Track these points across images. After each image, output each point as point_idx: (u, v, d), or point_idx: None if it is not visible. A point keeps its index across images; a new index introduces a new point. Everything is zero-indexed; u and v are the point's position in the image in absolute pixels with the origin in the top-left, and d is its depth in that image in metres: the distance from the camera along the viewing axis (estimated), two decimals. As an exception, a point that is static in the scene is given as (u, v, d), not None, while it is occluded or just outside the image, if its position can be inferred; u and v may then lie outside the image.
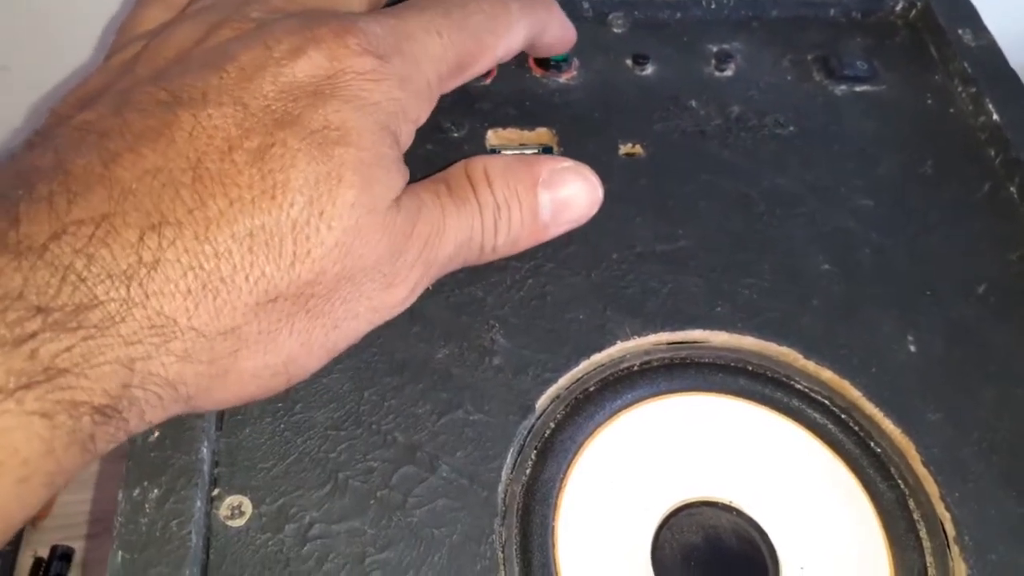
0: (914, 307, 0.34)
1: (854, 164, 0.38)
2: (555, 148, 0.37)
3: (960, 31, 0.42)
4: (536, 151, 0.37)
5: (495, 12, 0.31)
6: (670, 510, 0.31)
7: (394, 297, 0.27)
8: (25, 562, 0.55)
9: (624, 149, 0.37)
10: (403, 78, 0.27)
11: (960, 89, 0.41)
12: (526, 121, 0.38)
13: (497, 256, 0.30)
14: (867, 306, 0.34)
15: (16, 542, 0.55)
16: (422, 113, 0.29)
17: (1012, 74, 0.41)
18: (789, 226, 0.36)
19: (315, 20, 0.26)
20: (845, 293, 0.34)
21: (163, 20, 0.30)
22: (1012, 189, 0.38)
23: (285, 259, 0.23)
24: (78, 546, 0.56)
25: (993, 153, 0.39)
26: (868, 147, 0.39)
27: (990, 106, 0.39)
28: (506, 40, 0.31)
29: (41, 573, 0.54)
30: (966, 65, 0.41)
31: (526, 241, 0.30)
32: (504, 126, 0.37)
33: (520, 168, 0.29)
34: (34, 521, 0.56)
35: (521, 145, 0.38)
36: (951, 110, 0.40)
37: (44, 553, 0.55)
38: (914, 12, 0.44)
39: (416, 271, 0.27)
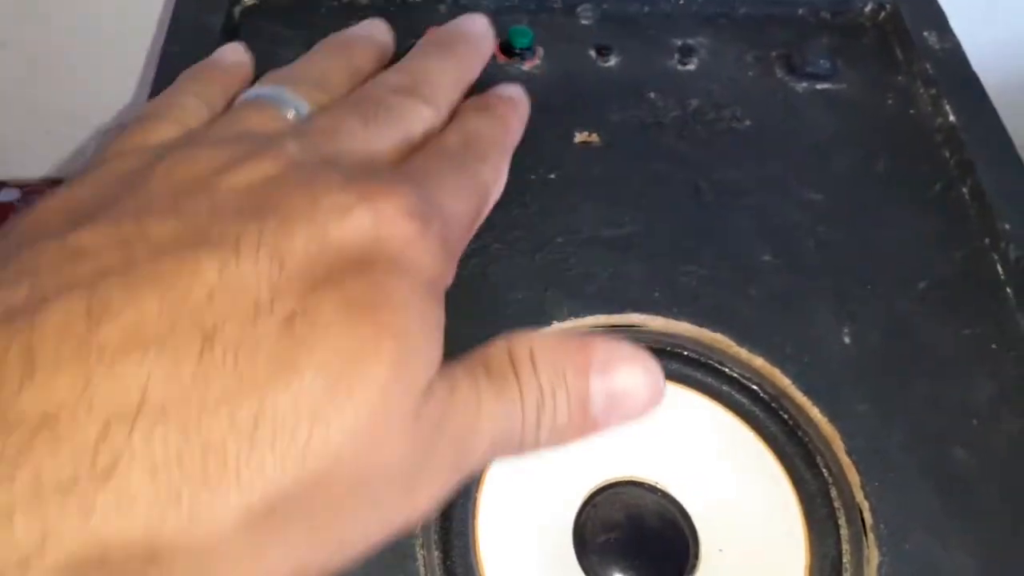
0: (853, 300, 0.34)
1: (807, 159, 0.38)
2: (512, 133, 0.38)
3: (926, 33, 0.42)
4: (494, 135, 0.38)
5: (496, 165, 0.29)
6: (595, 488, 0.31)
7: (412, 508, 0.22)
8: None
9: (580, 137, 0.38)
10: (443, 241, 0.24)
11: (921, 90, 0.41)
12: (485, 106, 0.38)
13: (539, 450, 0.25)
14: (805, 297, 0.34)
15: None
16: (452, 275, 0.26)
17: (973, 77, 0.41)
18: (735, 217, 0.36)
19: (361, 175, 0.23)
20: (785, 284, 0.34)
21: (172, 138, 0.26)
22: (964, 190, 0.38)
23: (296, 447, 0.19)
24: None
25: (948, 154, 0.39)
26: (823, 143, 0.39)
27: (948, 108, 0.40)
28: (496, 190, 0.30)
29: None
30: (928, 67, 0.41)
31: (573, 435, 0.25)
32: (463, 110, 0.38)
33: (571, 348, 0.25)
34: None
35: (479, 129, 0.38)
36: (911, 111, 0.41)
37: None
38: (883, 14, 0.44)
39: (442, 478, 0.23)
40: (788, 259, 0.35)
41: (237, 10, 0.42)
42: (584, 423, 0.25)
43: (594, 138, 0.38)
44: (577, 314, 0.33)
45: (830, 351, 0.33)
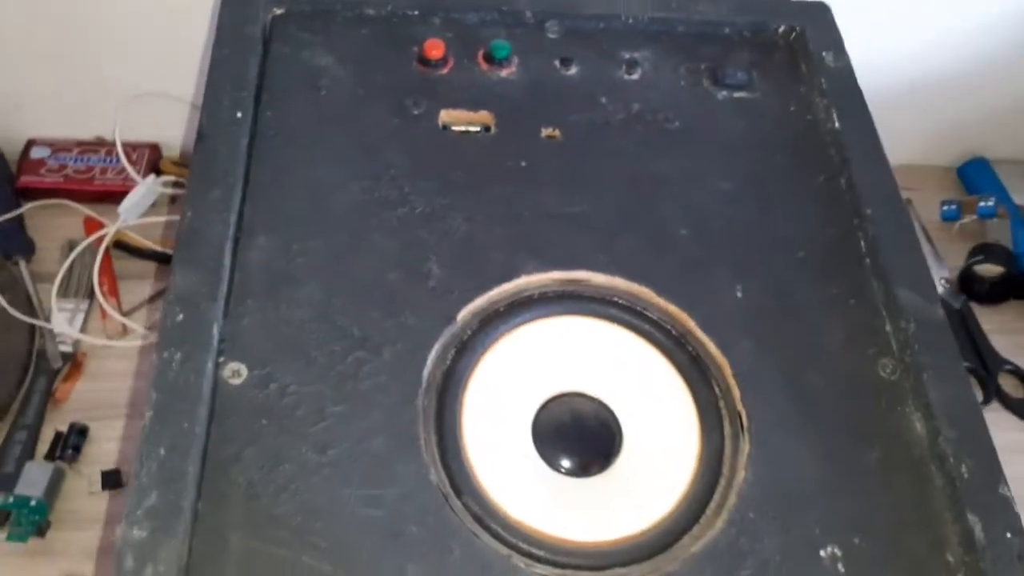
0: (746, 265, 0.45)
1: (721, 155, 0.49)
2: (492, 127, 0.48)
3: (824, 53, 0.53)
4: (478, 128, 0.48)
5: None
6: (549, 397, 0.42)
7: None
8: (47, 436, 0.66)
9: (546, 132, 0.49)
10: None
11: (817, 100, 0.52)
12: (472, 104, 0.49)
13: None
14: (710, 262, 0.45)
15: (39, 419, 0.66)
16: None
17: (857, 91, 0.52)
18: (662, 200, 0.47)
19: None
20: (695, 252, 0.46)
21: None
22: (842, 181, 0.49)
23: None
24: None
25: (833, 152, 0.50)
26: (736, 142, 0.50)
27: (835, 115, 0.50)
28: None
29: (60, 444, 0.65)
30: (823, 81, 0.52)
31: None
32: (455, 107, 0.49)
33: None
34: (56, 403, 0.67)
35: (467, 123, 0.49)
36: (808, 116, 0.52)
37: (63, 428, 0.66)
38: (793, 35, 0.55)
39: None
40: (699, 233, 0.46)
41: (269, 18, 0.51)
42: None
43: (557, 134, 0.49)
44: (539, 270, 0.44)
45: (726, 302, 0.44)
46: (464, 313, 0.43)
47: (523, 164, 0.47)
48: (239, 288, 0.42)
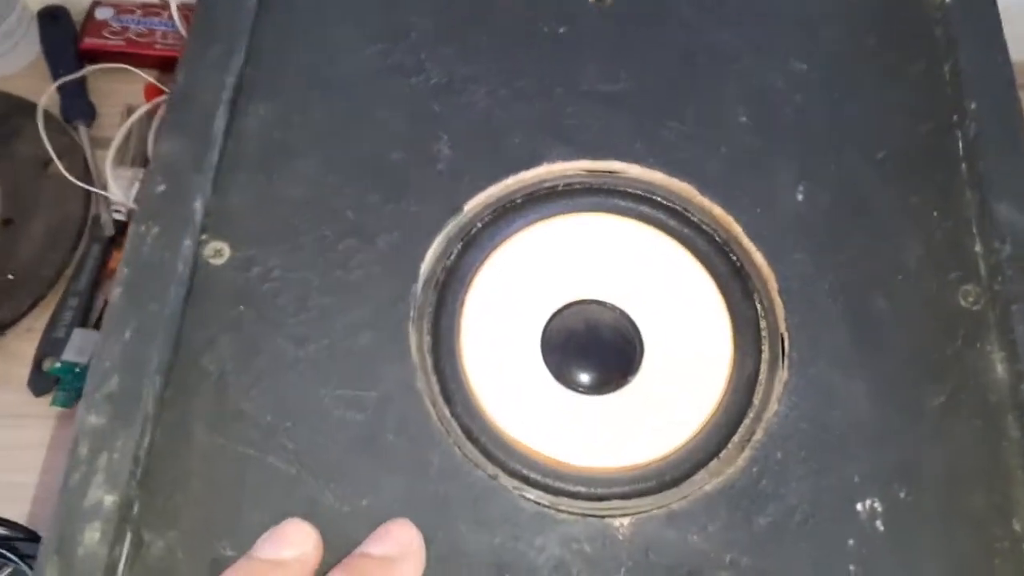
0: (813, 162, 0.38)
1: (801, 29, 0.41)
2: (536, -11, 0.42)
3: (942, -90, 0.44)
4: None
5: None
6: (565, 303, 0.37)
7: None
8: (100, 305, 0.66)
9: (595, -4, 0.42)
10: None
11: (929, -32, 0.43)
12: (512, -37, 0.42)
13: None
14: (770, 157, 0.39)
15: (92, 287, 0.66)
16: None
17: (980, -42, 0.42)
18: (722, 80, 0.40)
19: None
20: (754, 143, 0.39)
21: None
22: (945, 68, 0.41)
23: None
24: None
25: (939, 33, 0.42)
26: (820, 14, 0.42)
27: (947, -14, 0.42)
28: None
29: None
30: (938, -55, 0.43)
31: None
32: (492, -36, 0.42)
33: None
34: (109, 273, 0.67)
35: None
36: (914, -12, 0.43)
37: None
38: None
39: None
40: (762, 121, 0.39)
41: None
42: None
43: (607, -1, 0.42)
44: (566, 158, 0.38)
45: (782, 205, 0.38)
46: (474, 203, 0.38)
47: (562, 31, 0.41)
48: (230, 160, 0.38)
